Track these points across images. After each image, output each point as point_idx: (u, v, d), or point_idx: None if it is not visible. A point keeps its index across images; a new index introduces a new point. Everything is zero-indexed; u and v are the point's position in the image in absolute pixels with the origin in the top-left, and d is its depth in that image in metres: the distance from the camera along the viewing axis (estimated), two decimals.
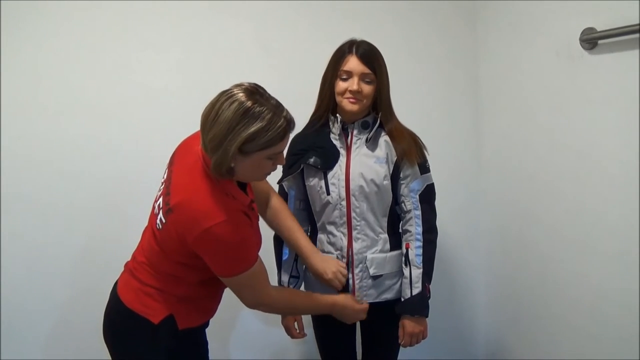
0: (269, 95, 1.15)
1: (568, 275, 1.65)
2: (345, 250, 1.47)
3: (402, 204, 1.47)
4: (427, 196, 1.47)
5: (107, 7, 1.76)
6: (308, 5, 1.92)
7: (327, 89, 1.46)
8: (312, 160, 1.46)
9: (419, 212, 1.45)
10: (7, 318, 1.75)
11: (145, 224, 1.34)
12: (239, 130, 1.09)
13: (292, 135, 1.52)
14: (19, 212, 1.74)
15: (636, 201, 1.37)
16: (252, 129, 1.09)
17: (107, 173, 1.79)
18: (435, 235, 1.48)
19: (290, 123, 1.15)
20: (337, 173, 1.45)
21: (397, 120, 1.50)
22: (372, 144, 1.46)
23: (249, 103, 1.09)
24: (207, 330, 1.40)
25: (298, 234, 1.45)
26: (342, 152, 1.47)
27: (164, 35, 1.81)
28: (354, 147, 1.46)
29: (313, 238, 1.54)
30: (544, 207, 1.75)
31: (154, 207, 1.27)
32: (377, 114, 1.46)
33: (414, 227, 1.45)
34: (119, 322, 1.28)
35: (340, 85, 1.41)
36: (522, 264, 1.89)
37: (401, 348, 1.52)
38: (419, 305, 1.44)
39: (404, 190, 1.46)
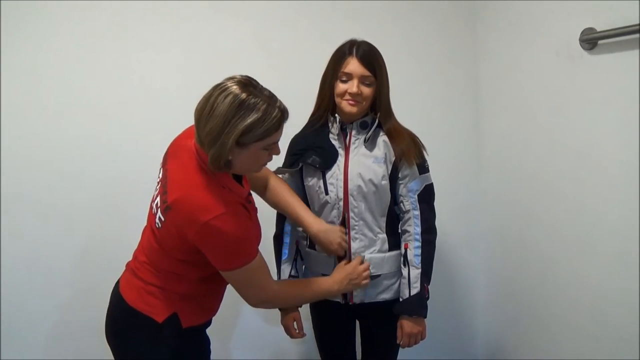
0: (262, 86, 1.16)
1: (568, 275, 1.65)
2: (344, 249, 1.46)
3: (401, 204, 1.47)
4: (426, 196, 1.47)
5: (107, 7, 1.76)
6: (308, 5, 1.92)
7: (326, 90, 1.46)
8: (310, 159, 1.46)
9: (417, 212, 1.45)
10: (7, 318, 1.75)
11: (145, 223, 1.34)
12: (235, 122, 1.09)
13: (291, 133, 1.55)
14: (19, 212, 1.74)
15: (636, 201, 1.37)
16: (249, 120, 1.10)
17: (107, 173, 1.80)
18: (434, 236, 1.48)
19: (284, 113, 1.16)
20: (335, 173, 1.45)
21: (396, 121, 1.50)
22: (370, 144, 1.46)
23: (243, 95, 1.10)
24: (207, 329, 1.40)
25: (298, 208, 1.44)
26: (341, 152, 1.47)
27: (164, 35, 1.81)
28: (352, 147, 1.46)
29: None
30: (544, 207, 1.75)
31: (151, 207, 1.28)
32: (376, 114, 1.46)
33: (413, 227, 1.45)
34: (122, 322, 1.28)
35: (340, 87, 1.41)
36: (522, 264, 1.89)
37: (401, 348, 1.52)
38: (417, 306, 1.44)
39: (402, 190, 1.46)
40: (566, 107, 1.61)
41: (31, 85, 1.72)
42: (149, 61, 1.81)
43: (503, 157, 1.98)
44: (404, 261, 1.46)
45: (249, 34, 1.88)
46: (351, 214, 1.45)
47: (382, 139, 1.47)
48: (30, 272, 1.76)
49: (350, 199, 1.44)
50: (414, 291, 1.43)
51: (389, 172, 1.45)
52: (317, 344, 1.65)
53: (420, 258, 1.44)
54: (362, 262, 1.43)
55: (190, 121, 1.25)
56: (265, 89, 1.16)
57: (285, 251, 1.55)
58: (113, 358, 1.32)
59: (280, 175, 1.53)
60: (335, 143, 1.48)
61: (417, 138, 1.50)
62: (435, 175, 1.52)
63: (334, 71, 1.42)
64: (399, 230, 1.50)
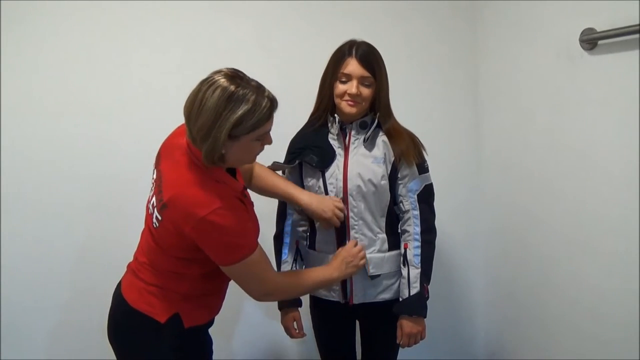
0: (249, 77, 1.16)
1: (568, 275, 1.65)
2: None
3: (401, 204, 1.47)
4: (426, 196, 1.47)
5: (106, 6, 1.76)
6: (308, 5, 1.92)
7: (326, 90, 1.46)
8: (308, 158, 1.47)
9: (417, 212, 1.45)
10: (7, 318, 1.75)
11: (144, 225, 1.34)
12: (226, 115, 1.09)
13: (291, 133, 1.55)
14: (19, 212, 1.74)
15: (636, 201, 1.37)
16: (239, 112, 1.09)
17: (107, 172, 1.80)
18: (434, 236, 1.48)
19: (273, 102, 1.16)
20: (335, 173, 1.46)
21: (396, 121, 1.50)
22: (369, 143, 1.46)
23: (232, 87, 1.10)
24: (208, 330, 1.40)
25: (285, 185, 1.45)
26: (340, 152, 1.47)
27: (164, 35, 1.81)
28: (351, 147, 1.46)
29: (312, 238, 1.54)
30: (544, 207, 1.75)
31: (147, 208, 1.28)
32: (376, 114, 1.46)
33: (413, 227, 1.45)
34: (125, 323, 1.28)
35: (340, 87, 1.41)
36: (522, 264, 1.89)
37: (400, 348, 1.52)
38: (417, 306, 1.44)
39: (402, 190, 1.46)
40: (566, 107, 1.61)
41: (31, 85, 1.72)
42: (149, 61, 1.81)
43: (503, 157, 1.98)
44: (403, 261, 1.46)
45: (249, 33, 1.88)
46: (351, 214, 1.45)
47: (382, 139, 1.47)
48: (30, 272, 1.76)
49: (350, 198, 1.44)
50: (413, 291, 1.43)
51: (389, 172, 1.45)
52: (317, 344, 1.65)
53: (419, 258, 1.44)
54: (355, 245, 1.42)
55: None
56: (253, 80, 1.15)
57: (285, 251, 1.55)
58: (114, 358, 1.32)
59: (279, 172, 1.53)
60: (335, 143, 1.48)
61: (417, 138, 1.50)
62: (435, 175, 1.52)
63: (333, 72, 1.42)
64: (399, 230, 1.50)
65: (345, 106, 1.42)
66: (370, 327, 1.57)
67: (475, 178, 2.12)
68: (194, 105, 1.11)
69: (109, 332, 1.31)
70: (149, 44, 1.80)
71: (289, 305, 1.54)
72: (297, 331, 1.55)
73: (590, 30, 1.47)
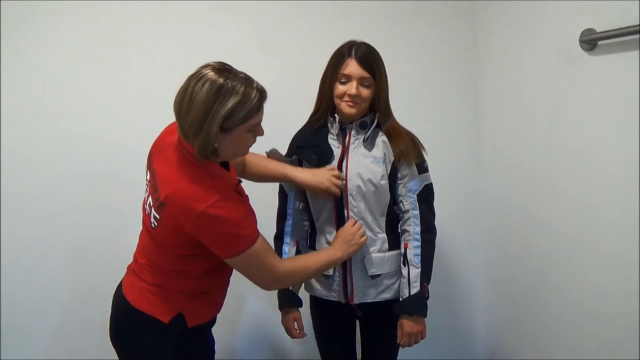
0: (236, 70, 1.16)
1: (568, 275, 1.65)
2: None
3: (401, 204, 1.48)
4: (426, 196, 1.47)
5: (107, 6, 1.76)
6: (308, 6, 1.92)
7: (326, 91, 1.46)
8: (307, 156, 1.47)
9: (417, 212, 1.46)
10: (7, 318, 1.75)
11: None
12: (216, 109, 1.09)
13: (291, 133, 1.55)
14: (19, 212, 1.74)
15: (636, 201, 1.37)
16: (229, 105, 1.10)
17: (107, 173, 1.80)
18: (434, 235, 1.48)
19: (262, 92, 1.16)
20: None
21: (395, 121, 1.50)
22: (369, 143, 1.46)
23: (220, 80, 1.10)
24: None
25: (276, 166, 1.46)
26: (340, 152, 1.47)
27: (164, 35, 1.81)
28: (351, 147, 1.47)
29: (312, 238, 1.54)
30: (544, 207, 1.75)
31: (144, 209, 1.28)
32: (375, 114, 1.47)
33: (412, 226, 1.46)
34: (127, 324, 1.27)
35: (339, 88, 1.42)
36: (522, 264, 1.89)
37: (401, 348, 1.52)
38: (417, 305, 1.44)
39: (401, 190, 1.47)
40: (566, 107, 1.62)
41: (31, 85, 1.72)
42: (149, 61, 1.81)
43: (503, 157, 1.98)
44: (403, 261, 1.46)
45: (249, 33, 1.88)
46: (351, 214, 1.45)
47: (381, 139, 1.47)
48: (30, 272, 1.76)
49: (350, 198, 1.45)
50: (413, 290, 1.43)
51: (388, 172, 1.45)
52: (317, 344, 1.65)
53: (419, 257, 1.44)
54: (354, 225, 1.42)
55: None
56: (240, 72, 1.16)
57: (285, 249, 1.55)
58: (114, 358, 1.31)
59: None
60: (334, 143, 1.48)
61: (416, 138, 1.50)
62: (435, 175, 1.52)
63: (333, 73, 1.43)
64: (399, 230, 1.50)
65: (345, 107, 1.42)
66: (370, 327, 1.57)
67: (475, 178, 2.12)
68: (184, 101, 1.11)
69: (111, 333, 1.31)
70: (149, 44, 1.80)
71: (289, 305, 1.54)
72: (297, 331, 1.55)
73: (590, 31, 1.47)
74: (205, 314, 1.31)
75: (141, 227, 1.33)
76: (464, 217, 2.12)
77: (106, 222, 1.81)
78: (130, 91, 1.80)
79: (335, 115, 1.47)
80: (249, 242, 1.18)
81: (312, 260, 1.37)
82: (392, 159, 1.45)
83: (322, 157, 1.47)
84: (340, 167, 1.46)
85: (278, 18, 1.90)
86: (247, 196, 1.31)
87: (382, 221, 1.48)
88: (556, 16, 1.62)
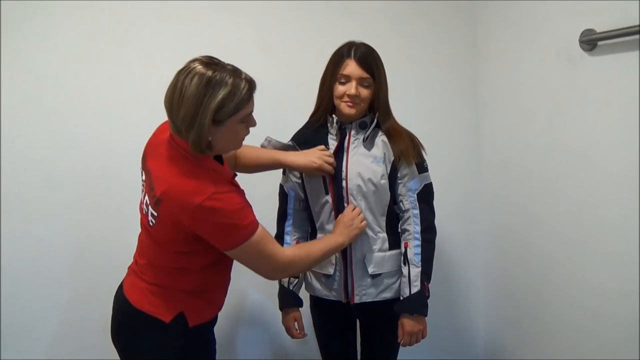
0: (224, 62, 1.17)
1: (568, 275, 1.65)
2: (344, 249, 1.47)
3: (401, 203, 1.48)
4: (425, 195, 1.48)
5: (107, 7, 1.76)
6: (308, 6, 1.92)
7: (325, 91, 1.47)
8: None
9: (417, 212, 1.46)
10: (7, 318, 1.75)
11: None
12: (207, 101, 1.10)
13: (291, 133, 1.56)
14: (19, 212, 1.74)
15: (636, 201, 1.37)
16: (220, 96, 1.10)
17: (107, 173, 1.80)
18: (434, 235, 1.49)
19: (251, 83, 1.17)
20: (335, 172, 1.46)
21: (395, 121, 1.50)
22: (369, 143, 1.46)
23: (209, 73, 1.11)
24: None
25: (267, 153, 1.47)
26: (340, 152, 1.47)
27: (164, 35, 1.81)
28: (351, 147, 1.47)
29: (312, 238, 1.55)
30: (544, 207, 1.75)
31: (141, 209, 1.28)
32: (375, 114, 1.47)
33: (412, 226, 1.46)
34: (129, 324, 1.27)
35: (339, 89, 1.42)
36: (522, 264, 1.89)
37: (401, 348, 1.52)
38: (418, 304, 1.44)
39: (401, 189, 1.47)
40: (566, 108, 1.62)
41: (31, 85, 1.72)
42: (149, 61, 1.81)
43: (503, 157, 1.98)
44: (404, 260, 1.47)
45: (249, 34, 1.88)
46: None
47: (381, 139, 1.47)
48: (30, 272, 1.76)
49: (351, 198, 1.45)
50: (414, 290, 1.43)
51: (388, 171, 1.46)
52: (318, 343, 1.65)
53: (420, 257, 1.44)
54: (353, 210, 1.43)
55: None
56: (228, 64, 1.16)
57: None
58: (114, 358, 1.32)
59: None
60: (334, 143, 1.48)
61: (416, 138, 1.50)
62: (435, 175, 1.52)
63: (332, 73, 1.43)
64: (399, 230, 1.50)
65: (345, 107, 1.42)
66: (370, 326, 1.57)
67: (475, 178, 2.12)
68: (174, 96, 1.12)
69: (113, 334, 1.31)
70: (149, 44, 1.80)
71: (289, 306, 1.54)
72: (298, 331, 1.55)
73: (590, 31, 1.47)
74: (206, 313, 1.31)
75: (140, 229, 1.33)
76: (464, 217, 2.12)
77: (106, 222, 1.81)
78: (130, 91, 1.80)
79: (333, 115, 1.47)
80: (249, 231, 1.18)
81: (315, 247, 1.37)
82: (392, 158, 1.46)
83: None
84: (340, 167, 1.46)
85: (278, 18, 1.90)
86: (243, 191, 1.31)
87: (383, 221, 1.48)
88: (556, 16, 1.62)
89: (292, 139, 1.55)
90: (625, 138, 1.39)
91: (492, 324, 2.13)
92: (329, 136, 1.49)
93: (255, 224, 1.20)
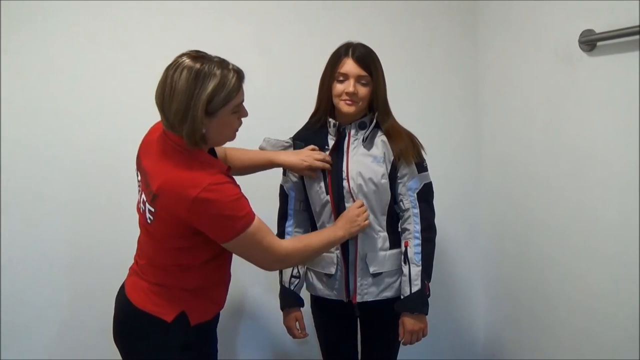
0: (211, 55, 1.18)
1: (568, 275, 1.65)
2: (344, 248, 1.47)
3: (401, 203, 1.48)
4: (425, 195, 1.48)
5: (107, 7, 1.76)
6: (308, 6, 1.92)
7: (324, 91, 1.47)
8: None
9: (417, 211, 1.46)
10: (7, 318, 1.75)
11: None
12: (198, 94, 1.11)
13: (291, 134, 1.56)
14: (19, 212, 1.74)
15: (636, 201, 1.38)
16: (210, 88, 1.12)
17: (107, 173, 1.80)
18: (434, 234, 1.49)
19: (239, 73, 1.19)
20: (335, 172, 1.46)
21: (394, 120, 1.51)
22: (369, 143, 1.47)
23: (197, 65, 1.13)
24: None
25: (259, 154, 1.49)
26: (340, 152, 1.47)
27: (164, 35, 1.81)
28: (351, 147, 1.47)
29: None
30: (544, 207, 1.75)
31: (139, 209, 1.28)
32: (374, 114, 1.47)
33: (413, 225, 1.46)
34: (131, 324, 1.27)
35: (337, 87, 1.43)
36: (522, 264, 1.90)
37: (401, 347, 1.53)
38: (418, 303, 1.45)
39: (401, 189, 1.47)
40: (565, 108, 1.62)
41: (32, 85, 1.72)
42: (149, 61, 1.80)
43: (503, 156, 1.98)
44: (404, 259, 1.47)
45: (248, 35, 1.88)
46: None
47: (381, 138, 1.48)
48: (30, 272, 1.76)
49: (351, 198, 1.45)
50: (414, 288, 1.44)
51: (389, 171, 1.46)
52: (319, 343, 1.65)
53: (420, 256, 1.45)
54: (360, 206, 1.43)
55: None
56: (215, 56, 1.18)
57: None
58: (115, 358, 1.31)
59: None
60: (333, 143, 1.48)
61: (416, 138, 1.51)
62: (435, 175, 1.53)
63: (331, 72, 1.44)
64: (399, 229, 1.50)
65: (343, 105, 1.43)
66: (371, 325, 1.57)
67: (474, 177, 2.12)
68: (165, 92, 1.13)
69: (115, 334, 1.30)
70: (149, 44, 1.80)
71: (291, 306, 1.54)
72: (299, 331, 1.55)
73: (589, 32, 1.48)
74: (208, 311, 1.31)
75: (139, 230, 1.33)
76: (464, 217, 2.12)
77: (106, 222, 1.81)
78: (131, 91, 1.80)
79: (330, 120, 1.48)
80: (246, 222, 1.18)
81: (314, 238, 1.38)
82: (392, 158, 1.46)
83: None
84: (340, 167, 1.46)
85: (277, 19, 1.90)
86: (238, 186, 1.30)
87: (383, 220, 1.48)
88: (556, 17, 1.63)
89: (293, 138, 1.56)
90: (625, 138, 1.39)
91: (492, 324, 2.13)
92: (329, 137, 1.50)
93: (252, 215, 1.20)
